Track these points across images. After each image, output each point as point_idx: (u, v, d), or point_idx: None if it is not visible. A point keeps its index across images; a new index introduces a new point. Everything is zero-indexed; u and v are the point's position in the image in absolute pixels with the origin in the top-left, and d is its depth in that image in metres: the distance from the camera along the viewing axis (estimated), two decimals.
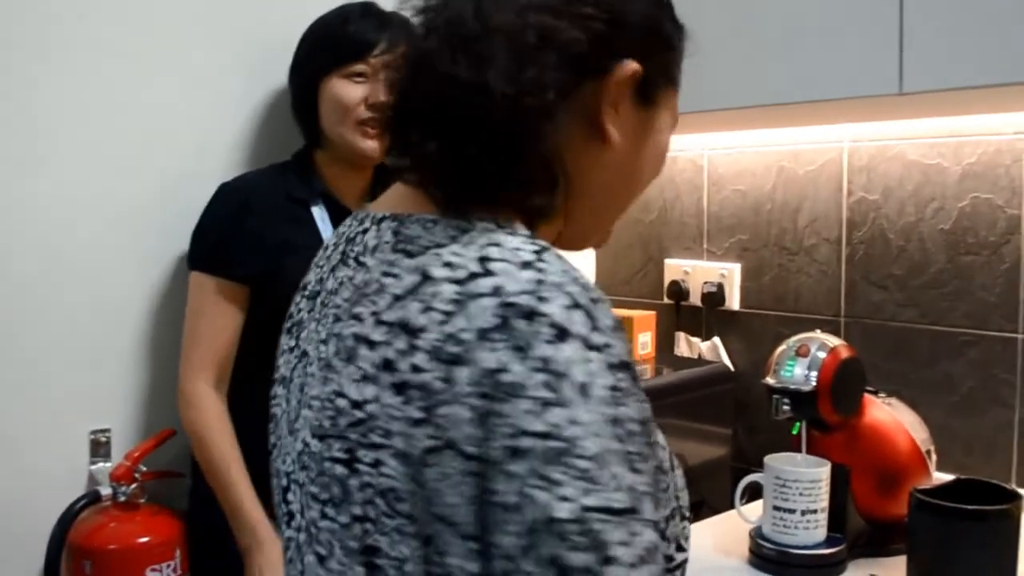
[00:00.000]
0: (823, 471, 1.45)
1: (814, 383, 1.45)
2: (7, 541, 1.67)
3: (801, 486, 1.43)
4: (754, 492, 1.54)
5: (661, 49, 0.82)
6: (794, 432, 1.54)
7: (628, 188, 0.85)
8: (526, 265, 0.67)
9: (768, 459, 1.48)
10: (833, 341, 1.51)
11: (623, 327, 0.69)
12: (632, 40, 0.78)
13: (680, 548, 0.79)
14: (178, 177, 1.83)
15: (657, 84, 0.82)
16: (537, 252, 0.69)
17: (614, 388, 0.65)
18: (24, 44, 1.67)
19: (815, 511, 1.44)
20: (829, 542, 1.45)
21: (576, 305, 0.66)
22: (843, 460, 1.49)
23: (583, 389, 0.63)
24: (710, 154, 2.13)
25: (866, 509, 1.50)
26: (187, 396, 1.70)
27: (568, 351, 0.64)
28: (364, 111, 1.70)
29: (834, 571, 1.44)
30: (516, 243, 0.70)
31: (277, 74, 1.85)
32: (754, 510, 1.53)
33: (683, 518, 0.80)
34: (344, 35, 1.72)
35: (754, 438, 2.03)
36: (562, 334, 0.64)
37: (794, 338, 1.52)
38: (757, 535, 1.49)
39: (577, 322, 0.65)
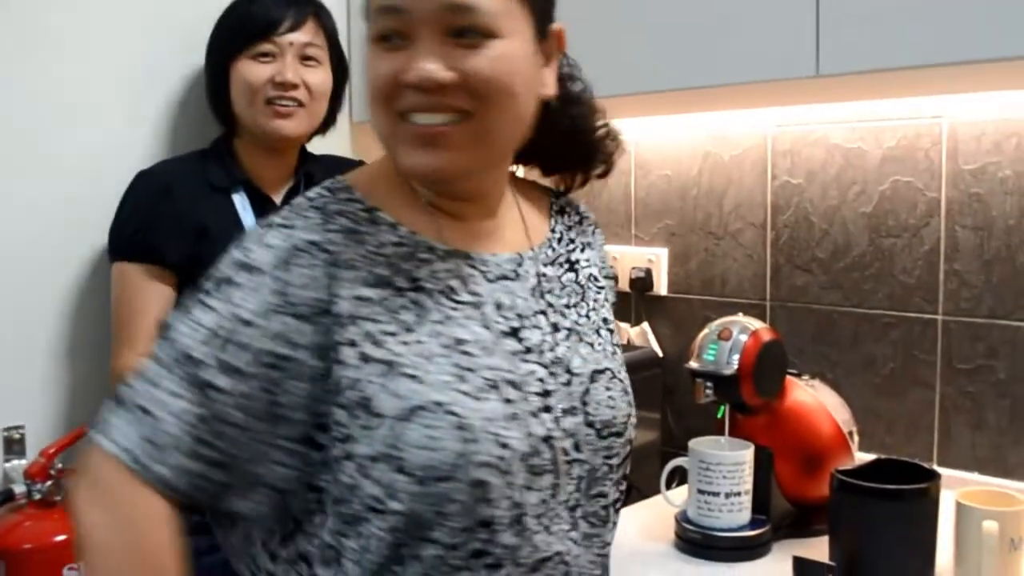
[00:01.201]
0: (746, 454, 1.45)
1: (736, 366, 1.46)
2: None
3: (724, 469, 1.44)
4: (682, 476, 1.54)
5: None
6: (719, 416, 1.54)
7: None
8: (284, 207, 0.92)
9: (692, 443, 1.48)
10: (755, 324, 1.52)
11: (301, 257, 0.86)
12: None
13: (394, 497, 0.84)
14: (92, 168, 1.78)
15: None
16: (307, 201, 0.91)
17: (223, 279, 0.87)
18: None
19: (739, 493, 1.45)
20: (753, 524, 1.47)
21: (265, 227, 0.88)
22: (766, 442, 1.50)
23: (213, 269, 0.89)
24: (636, 139, 2.13)
25: (790, 491, 1.52)
26: (119, 371, 1.59)
27: (232, 251, 0.89)
28: (272, 90, 1.67)
29: (758, 553, 1.45)
30: (310, 194, 0.92)
31: (194, 61, 1.81)
32: (681, 494, 1.53)
33: (402, 472, 0.83)
34: (249, 14, 1.69)
35: (682, 422, 2.04)
36: (239, 242, 0.89)
37: (716, 322, 1.53)
38: (682, 519, 1.49)
39: (252, 237, 0.88)
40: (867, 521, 1.31)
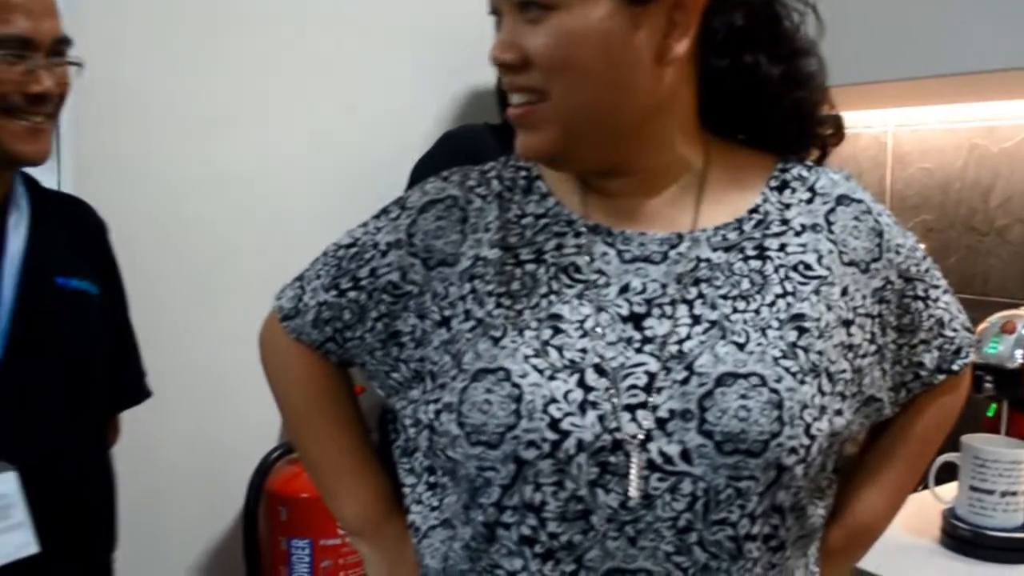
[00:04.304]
0: None
1: (1020, 360, 1.41)
2: (211, 488, 1.77)
3: (1001, 467, 1.40)
4: (942, 472, 1.50)
5: None
6: (990, 414, 1.50)
7: None
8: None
9: (966, 438, 1.44)
10: None
11: (437, 208, 0.95)
12: None
13: (451, 449, 0.85)
14: (379, 153, 1.91)
15: None
16: (490, 161, 0.98)
17: (386, 206, 0.98)
18: (224, 13, 1.78)
19: (1015, 493, 1.40)
20: None
21: (439, 176, 0.97)
22: None
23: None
24: (895, 131, 2.08)
25: None
26: None
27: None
28: None
29: None
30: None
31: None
32: (949, 490, 1.49)
33: (461, 427, 0.83)
34: None
35: None
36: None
37: (997, 315, 1.48)
38: (951, 515, 1.46)
39: (430, 179, 0.98)
40: None
